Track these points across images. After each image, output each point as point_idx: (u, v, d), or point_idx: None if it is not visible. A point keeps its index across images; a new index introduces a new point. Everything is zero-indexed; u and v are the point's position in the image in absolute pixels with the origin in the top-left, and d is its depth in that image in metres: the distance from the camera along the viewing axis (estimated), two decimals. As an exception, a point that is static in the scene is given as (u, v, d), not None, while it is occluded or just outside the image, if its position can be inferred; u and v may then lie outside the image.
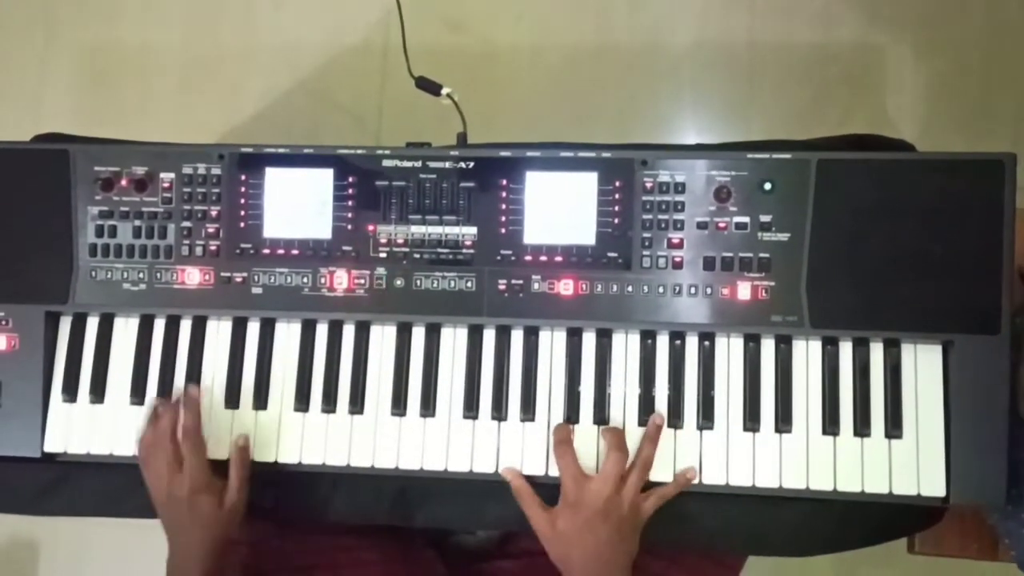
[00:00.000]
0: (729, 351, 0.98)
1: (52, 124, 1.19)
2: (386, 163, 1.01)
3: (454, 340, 1.01)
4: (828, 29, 1.88)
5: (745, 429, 0.97)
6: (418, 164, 1.01)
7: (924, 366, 0.96)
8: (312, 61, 1.99)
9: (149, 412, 1.01)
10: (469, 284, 1.00)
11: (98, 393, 1.03)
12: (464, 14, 1.97)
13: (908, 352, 0.96)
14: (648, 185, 0.98)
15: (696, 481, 0.96)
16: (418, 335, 1.02)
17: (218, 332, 1.04)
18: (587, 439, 0.98)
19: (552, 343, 1.00)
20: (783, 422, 0.96)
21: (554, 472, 0.97)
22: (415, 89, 1.15)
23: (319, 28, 2.00)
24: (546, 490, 0.96)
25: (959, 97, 1.83)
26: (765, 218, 0.96)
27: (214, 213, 1.02)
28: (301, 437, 1.01)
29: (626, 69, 1.93)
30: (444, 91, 1.12)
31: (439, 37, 1.95)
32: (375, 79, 1.96)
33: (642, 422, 0.98)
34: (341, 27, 1.99)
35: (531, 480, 0.97)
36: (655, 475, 0.96)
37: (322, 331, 1.03)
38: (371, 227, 1.01)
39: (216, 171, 1.02)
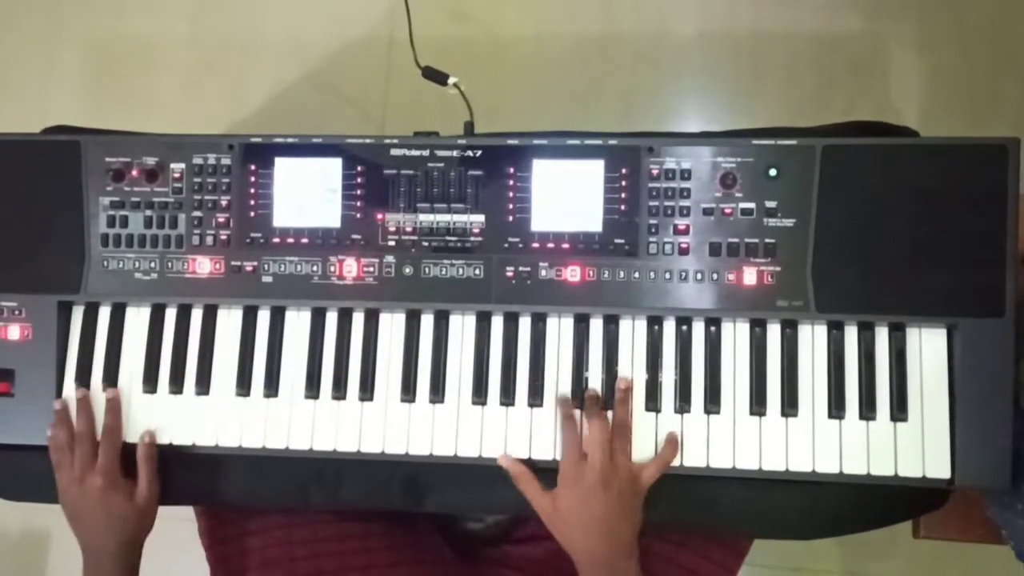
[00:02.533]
0: (735, 336, 0.99)
1: (58, 117, 1.20)
2: (394, 152, 1.02)
3: (462, 327, 1.02)
4: (832, 17, 1.88)
5: (752, 413, 0.97)
6: (426, 153, 1.01)
7: (929, 349, 0.96)
8: (317, 53, 1.99)
9: (58, 410, 1.02)
10: (477, 271, 1.00)
11: (110, 382, 1.04)
12: (468, 4, 1.98)
13: (913, 336, 0.97)
14: (654, 172, 0.99)
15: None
16: (427, 322, 1.02)
17: (229, 321, 1.04)
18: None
19: (560, 329, 1.01)
20: (789, 406, 0.97)
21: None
22: (420, 80, 1.15)
23: (324, 20, 2.01)
24: (553, 475, 0.98)
25: (963, 84, 1.83)
26: (771, 204, 0.97)
27: (224, 203, 1.03)
28: (312, 424, 1.02)
29: (631, 58, 1.93)
30: (451, 81, 1.13)
31: (443, 27, 1.95)
32: (380, 71, 1.96)
33: (649, 407, 0.99)
34: (346, 19, 1.99)
35: (540, 465, 0.98)
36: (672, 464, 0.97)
37: (332, 319, 1.03)
38: (380, 216, 1.01)
39: (226, 161, 1.03)
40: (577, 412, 0.98)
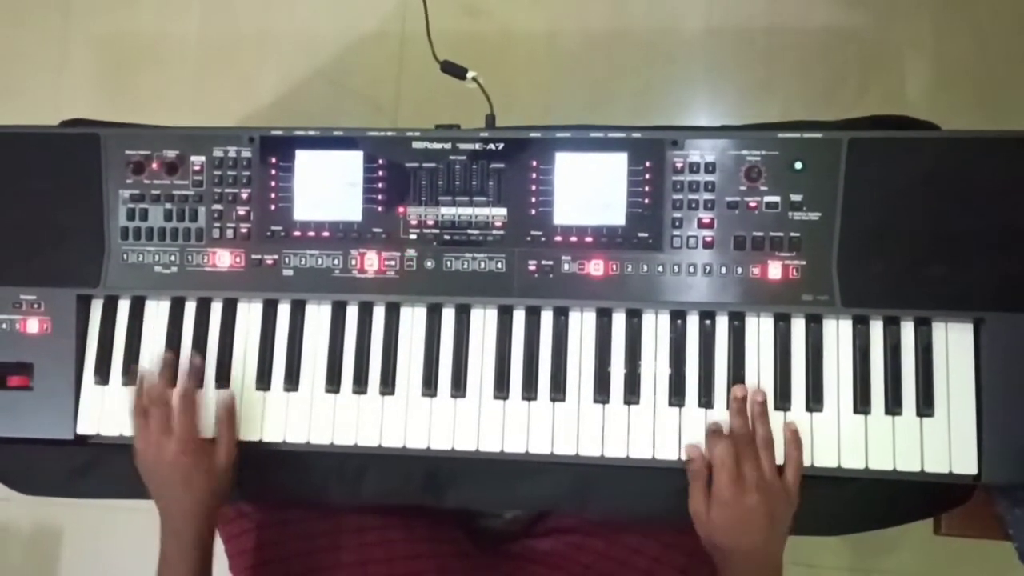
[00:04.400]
0: (759, 331, 0.98)
1: (71, 113, 1.19)
2: (416, 145, 1.01)
3: (484, 321, 1.02)
4: (845, 11, 1.87)
5: (776, 408, 0.97)
6: (448, 146, 1.01)
7: (955, 344, 0.96)
8: (329, 48, 1.99)
9: (141, 374, 1.01)
10: (499, 265, 1.00)
11: (130, 375, 1.04)
12: (481, -1, 1.97)
13: (939, 330, 0.96)
14: (678, 165, 0.98)
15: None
16: (448, 316, 1.02)
17: (249, 314, 1.04)
18: (618, 419, 0.98)
19: (582, 323, 1.01)
20: (814, 401, 0.96)
21: (584, 452, 0.98)
22: (432, 75, 1.14)
23: (335, 15, 2.00)
24: (580, 470, 0.98)
25: (975, 78, 1.82)
26: (796, 197, 0.96)
27: (244, 196, 1.02)
28: (332, 418, 1.01)
29: (642, 53, 1.92)
30: (470, 75, 1.12)
31: (455, 22, 1.94)
32: (392, 65, 1.96)
33: (673, 402, 0.98)
34: (358, 13, 1.99)
35: (559, 459, 0.98)
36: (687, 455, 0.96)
37: (352, 313, 1.03)
38: (401, 209, 1.01)
39: (246, 154, 1.02)
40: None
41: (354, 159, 1.01)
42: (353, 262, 1.01)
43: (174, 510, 0.97)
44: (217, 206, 1.03)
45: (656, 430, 0.97)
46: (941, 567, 1.73)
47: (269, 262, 1.02)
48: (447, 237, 1.00)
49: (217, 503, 0.99)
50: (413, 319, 1.02)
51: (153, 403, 0.98)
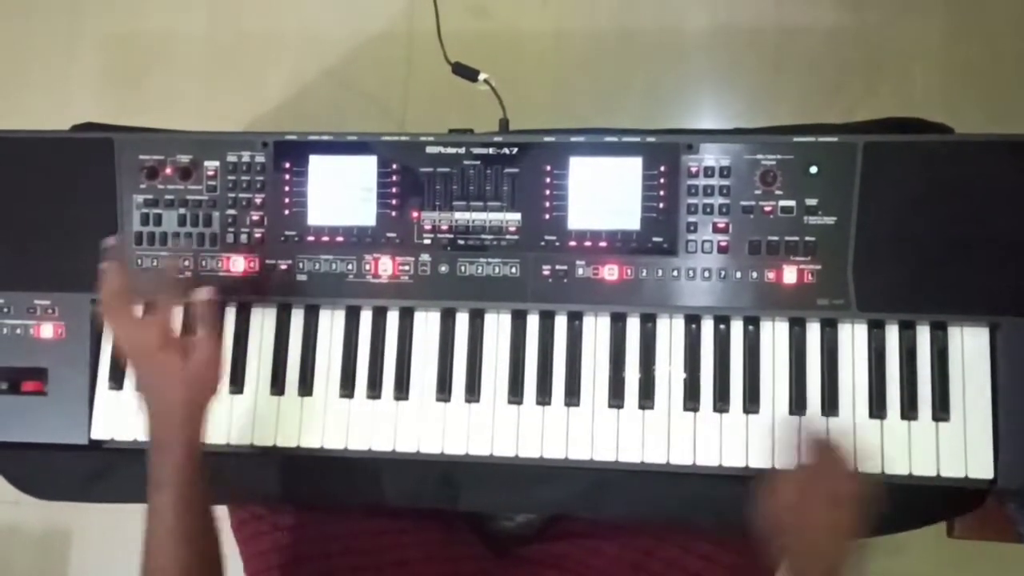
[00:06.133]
0: (775, 335, 0.98)
1: (78, 115, 1.19)
2: (430, 150, 1.01)
3: (498, 326, 1.01)
4: (855, 12, 1.86)
5: (791, 413, 0.97)
6: (461, 150, 1.01)
7: (971, 348, 0.95)
8: (336, 49, 1.98)
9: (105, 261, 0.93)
10: (513, 270, 1.00)
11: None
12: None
13: (955, 335, 0.96)
14: (693, 169, 0.98)
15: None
16: (462, 321, 1.02)
17: (263, 319, 1.04)
18: (632, 424, 0.98)
19: (596, 328, 1.00)
20: (830, 406, 0.96)
21: (599, 457, 0.98)
22: (440, 76, 1.14)
23: (342, 16, 2.00)
24: (594, 474, 0.99)
25: (988, 82, 1.81)
26: (811, 201, 0.96)
27: (258, 201, 1.02)
28: (347, 423, 1.01)
29: (651, 53, 1.92)
30: (481, 77, 1.12)
31: (463, 23, 1.94)
32: (400, 67, 1.95)
33: (688, 407, 0.98)
34: (364, 14, 1.98)
35: (574, 464, 0.99)
36: (701, 460, 0.97)
37: (366, 317, 1.03)
38: (415, 214, 1.01)
39: (260, 159, 1.02)
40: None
41: (368, 164, 1.01)
42: (367, 267, 1.01)
43: (157, 404, 0.89)
44: (231, 211, 1.02)
45: (671, 435, 0.97)
46: (949, 569, 1.73)
47: (283, 267, 1.02)
48: (461, 242, 1.00)
49: (201, 402, 0.90)
50: (427, 324, 1.02)
51: (117, 295, 0.90)
